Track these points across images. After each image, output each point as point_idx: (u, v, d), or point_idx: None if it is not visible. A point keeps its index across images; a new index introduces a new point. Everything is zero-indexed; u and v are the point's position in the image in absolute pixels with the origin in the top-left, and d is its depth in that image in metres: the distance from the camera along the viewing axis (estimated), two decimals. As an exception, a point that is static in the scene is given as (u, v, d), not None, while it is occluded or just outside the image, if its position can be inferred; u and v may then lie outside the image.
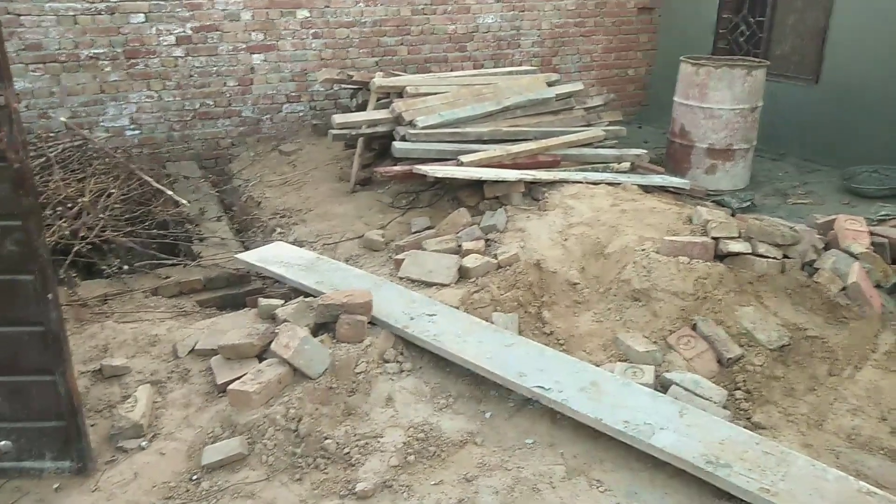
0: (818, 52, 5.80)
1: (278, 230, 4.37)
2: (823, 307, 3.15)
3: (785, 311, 3.13)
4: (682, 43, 6.48)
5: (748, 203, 4.64)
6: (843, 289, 3.21)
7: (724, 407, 2.69)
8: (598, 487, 2.33)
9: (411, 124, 4.52)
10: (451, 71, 6.03)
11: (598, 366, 2.85)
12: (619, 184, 4.39)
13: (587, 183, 4.34)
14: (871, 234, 3.59)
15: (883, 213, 4.37)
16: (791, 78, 5.90)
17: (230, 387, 2.59)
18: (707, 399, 2.65)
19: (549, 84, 5.36)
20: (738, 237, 3.44)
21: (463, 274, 3.46)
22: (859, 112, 5.51)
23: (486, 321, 3.08)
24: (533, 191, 4.25)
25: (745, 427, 2.55)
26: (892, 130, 5.33)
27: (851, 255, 3.38)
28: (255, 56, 5.61)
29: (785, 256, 3.43)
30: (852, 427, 2.67)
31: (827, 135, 5.69)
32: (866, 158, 5.28)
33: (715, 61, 5.29)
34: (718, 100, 5.05)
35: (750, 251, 3.34)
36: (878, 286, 3.35)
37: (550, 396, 2.54)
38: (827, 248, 3.50)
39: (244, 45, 5.54)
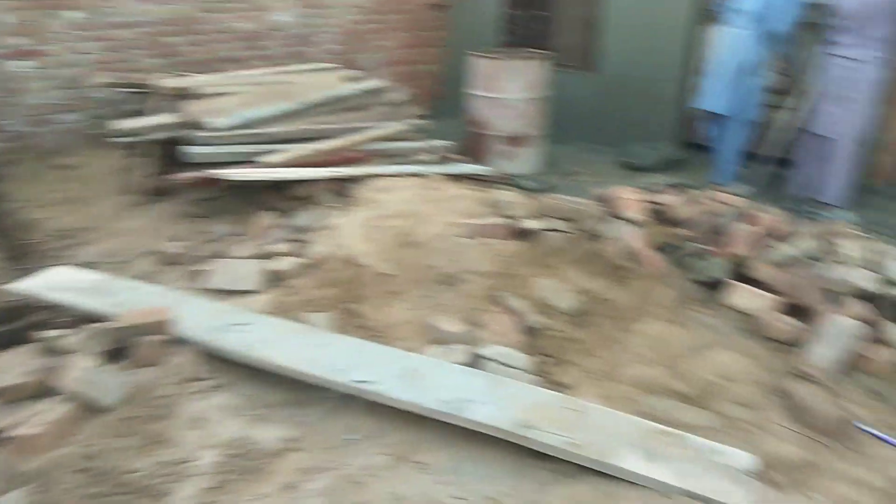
0: (594, 44, 6.37)
1: (62, 253, 3.94)
2: (610, 271, 3.46)
3: (578, 279, 3.40)
4: (474, 37, 6.79)
5: (543, 184, 4.98)
6: (625, 253, 3.55)
7: (533, 373, 2.86)
8: (423, 470, 2.37)
9: (206, 127, 4.28)
10: (247, 70, 5.80)
11: (415, 352, 2.90)
12: (425, 175, 4.50)
13: (395, 176, 4.40)
14: (647, 202, 4.00)
15: (655, 182, 4.90)
16: (573, 68, 6.41)
17: (12, 433, 2.29)
18: (516, 368, 2.81)
19: (351, 81, 5.36)
20: (534, 216, 3.68)
21: (274, 278, 3.35)
22: (632, 97, 6.14)
23: (302, 323, 3.01)
24: (342, 187, 4.23)
25: (551, 389, 2.74)
26: (659, 111, 6.01)
27: (630, 221, 3.75)
28: (20, 63, 4.99)
29: (577, 230, 3.72)
30: (643, 375, 2.96)
31: (607, 118, 6.27)
32: (640, 137, 5.90)
33: (504, 54, 5.60)
34: (509, 91, 5.36)
35: (544, 227, 3.59)
36: (655, 248, 3.74)
37: (368, 388, 2.54)
38: (610, 218, 3.85)
39: (7, 52, 4.92)
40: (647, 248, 3.59)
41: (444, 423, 2.49)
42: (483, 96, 5.48)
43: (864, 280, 3.24)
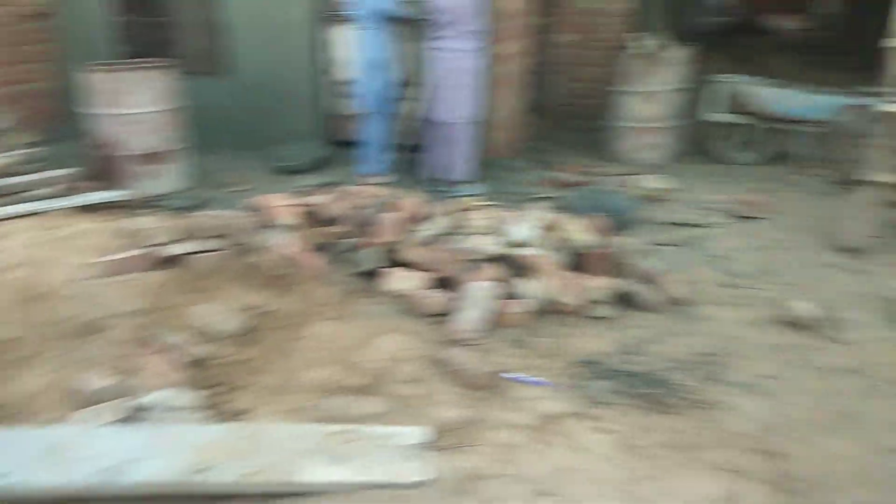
0: (221, 48, 6.16)
1: None
2: (271, 282, 3.41)
3: (240, 296, 3.28)
4: (87, 49, 6.08)
5: (193, 201, 4.71)
6: (283, 260, 3.53)
7: (204, 408, 2.68)
8: (86, 557, 2.07)
9: None
10: None
11: (59, 423, 2.50)
12: (46, 212, 3.91)
13: (6, 219, 3.75)
14: (298, 205, 4.02)
15: (307, 183, 4.98)
16: (204, 74, 6.13)
17: None
18: (184, 409, 2.60)
19: (-77, 111, 4.38)
20: (181, 239, 3.44)
21: None
22: (269, 100, 6.12)
23: None
24: (-69, 245, 3.44)
25: (226, 420, 2.60)
26: (298, 112, 6.10)
27: (285, 227, 3.74)
28: None
29: (231, 245, 3.58)
30: (319, 378, 2.97)
31: (249, 124, 6.17)
32: (285, 139, 5.92)
33: (124, 66, 5.11)
34: (136, 104, 4.92)
35: (193, 250, 3.38)
36: (313, 249, 3.79)
37: (-3, 485, 2.12)
38: (264, 227, 3.79)
39: None
40: (304, 251, 3.61)
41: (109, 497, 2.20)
42: (108, 113, 4.94)
43: (492, 245, 3.70)
